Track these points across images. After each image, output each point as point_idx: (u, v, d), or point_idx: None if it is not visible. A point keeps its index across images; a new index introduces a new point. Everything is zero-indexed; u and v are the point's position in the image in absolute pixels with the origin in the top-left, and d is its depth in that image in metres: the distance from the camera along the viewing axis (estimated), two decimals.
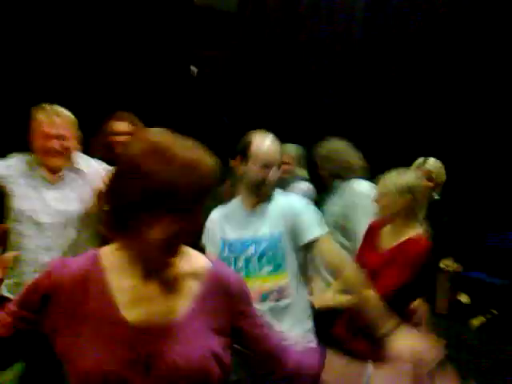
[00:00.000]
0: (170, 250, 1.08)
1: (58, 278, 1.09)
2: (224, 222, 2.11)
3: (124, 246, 1.11)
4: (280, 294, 1.98)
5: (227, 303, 1.17)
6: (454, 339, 4.82)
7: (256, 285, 1.96)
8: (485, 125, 4.83)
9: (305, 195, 3.33)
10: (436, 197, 2.86)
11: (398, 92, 5.13)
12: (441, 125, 4.97)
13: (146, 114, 4.81)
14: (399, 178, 2.27)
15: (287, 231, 2.02)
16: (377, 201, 2.32)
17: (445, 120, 4.99)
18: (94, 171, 2.39)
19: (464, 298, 4.99)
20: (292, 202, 2.12)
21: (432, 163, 2.93)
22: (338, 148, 3.03)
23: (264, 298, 1.97)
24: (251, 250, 2.00)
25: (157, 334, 1.07)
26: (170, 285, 1.13)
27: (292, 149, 3.71)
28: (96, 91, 4.32)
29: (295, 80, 5.50)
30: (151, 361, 1.05)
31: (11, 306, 1.12)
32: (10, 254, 1.82)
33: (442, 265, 4.99)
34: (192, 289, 1.14)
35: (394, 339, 1.66)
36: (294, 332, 1.97)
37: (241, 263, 2.01)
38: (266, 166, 1.98)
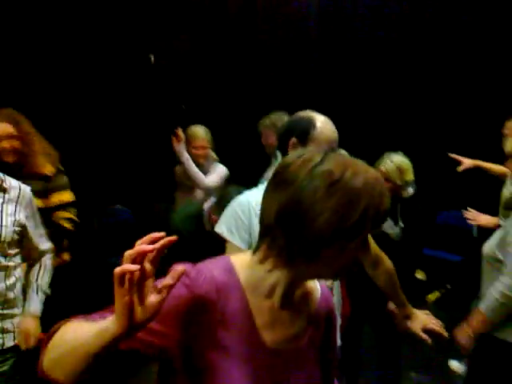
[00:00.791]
0: (338, 275, 1.04)
1: (198, 291, 0.95)
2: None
3: (263, 262, 0.99)
4: None
5: (327, 327, 1.14)
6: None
7: None
8: (433, 108, 5.08)
9: (225, 177, 3.53)
10: (410, 191, 2.93)
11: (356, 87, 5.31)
12: (395, 112, 5.20)
13: (106, 102, 4.81)
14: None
15: None
16: None
17: (398, 107, 5.21)
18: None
19: (420, 275, 5.27)
20: None
21: (387, 163, 2.84)
22: (282, 118, 3.11)
23: None
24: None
25: (289, 359, 1.03)
26: (298, 308, 1.06)
27: (204, 131, 3.60)
28: (49, 83, 4.26)
29: (251, 70, 5.59)
30: None
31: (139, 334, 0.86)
32: None
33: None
34: (309, 313, 1.09)
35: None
36: None
37: None
38: (332, 148, 1.73)
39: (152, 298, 0.79)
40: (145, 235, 0.79)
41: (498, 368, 2.07)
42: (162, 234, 0.78)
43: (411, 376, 3.53)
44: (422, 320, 1.97)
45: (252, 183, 1.97)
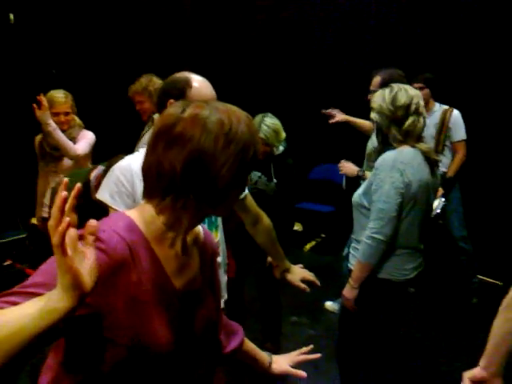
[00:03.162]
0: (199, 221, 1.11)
1: (115, 255, 0.94)
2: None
3: (164, 215, 1.03)
4: None
5: (212, 264, 1.24)
6: (292, 261, 5.43)
7: None
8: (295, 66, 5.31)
9: (93, 144, 3.30)
10: (281, 148, 3.06)
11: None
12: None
13: None
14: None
15: None
16: None
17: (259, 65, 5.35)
18: None
19: (297, 227, 5.61)
20: None
21: (265, 129, 2.92)
22: (154, 81, 3.11)
23: None
24: None
25: (193, 300, 1.11)
26: (192, 251, 1.14)
27: (64, 95, 3.27)
28: None
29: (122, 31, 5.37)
30: (194, 327, 1.11)
31: None
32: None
33: None
34: (197, 253, 1.16)
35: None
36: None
37: None
38: None
39: (87, 263, 0.78)
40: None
41: (374, 303, 2.30)
42: (66, 180, 0.80)
43: (292, 320, 3.81)
44: (299, 272, 2.12)
45: (128, 150, 1.95)
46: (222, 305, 2.01)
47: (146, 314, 1.00)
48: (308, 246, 5.48)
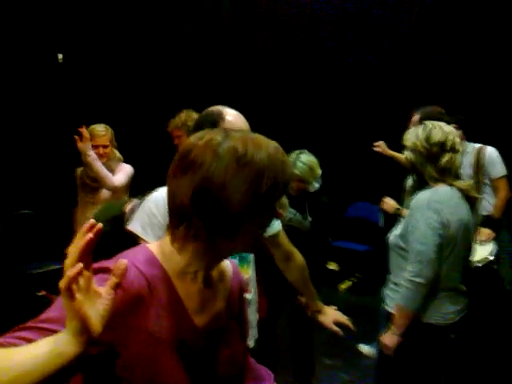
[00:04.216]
0: (254, 247, 1.06)
1: (132, 289, 0.91)
2: None
3: (178, 246, 0.99)
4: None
5: (241, 302, 1.19)
6: (326, 301, 5.29)
7: None
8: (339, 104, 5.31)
9: (131, 176, 3.42)
10: (316, 185, 3.02)
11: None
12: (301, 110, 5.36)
13: (16, 105, 4.56)
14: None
15: None
16: None
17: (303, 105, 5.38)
18: None
19: (333, 266, 5.49)
20: None
21: (300, 166, 2.90)
22: (192, 116, 3.11)
23: None
24: None
25: (216, 338, 1.05)
26: (217, 287, 1.08)
27: (104, 128, 3.42)
28: None
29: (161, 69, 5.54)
30: (217, 368, 1.05)
31: None
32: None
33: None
34: (225, 290, 1.11)
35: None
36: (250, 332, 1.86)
37: None
38: None
39: (101, 304, 0.76)
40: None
41: (415, 349, 2.20)
42: (92, 221, 0.75)
43: (326, 362, 3.68)
44: (332, 314, 2.05)
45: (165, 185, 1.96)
46: (253, 344, 1.95)
47: (163, 352, 0.95)
48: (343, 286, 5.35)
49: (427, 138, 2.13)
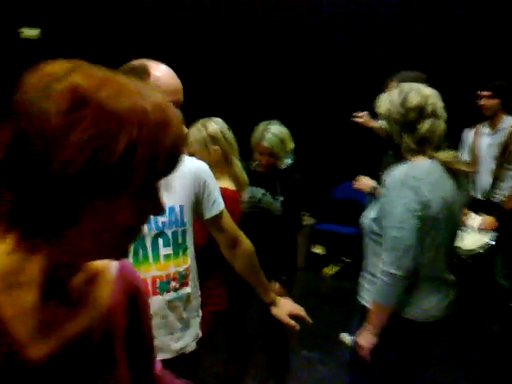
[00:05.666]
0: (119, 248, 0.72)
1: None
2: None
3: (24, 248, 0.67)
4: (180, 281, 1.58)
5: (136, 310, 0.88)
6: (311, 287, 5.11)
7: (152, 271, 1.52)
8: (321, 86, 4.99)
9: None
10: (288, 161, 2.72)
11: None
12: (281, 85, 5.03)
13: None
14: (203, 128, 2.16)
15: (191, 202, 1.59)
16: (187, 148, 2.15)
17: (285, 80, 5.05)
18: None
19: (318, 250, 5.23)
20: (198, 164, 1.64)
21: (269, 137, 2.55)
22: None
23: (161, 287, 1.54)
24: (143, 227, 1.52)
25: (74, 369, 0.75)
26: (81, 298, 0.77)
27: None
28: None
29: None
30: None
31: None
32: None
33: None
34: (98, 300, 0.80)
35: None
36: (187, 333, 1.65)
37: (134, 244, 1.42)
38: (176, 102, 1.35)
39: None
40: None
41: (393, 348, 1.92)
42: None
43: (302, 354, 3.42)
44: (286, 306, 1.79)
45: None
46: (194, 346, 1.68)
47: None
48: (329, 271, 5.08)
49: (403, 103, 1.81)
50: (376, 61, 4.53)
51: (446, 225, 1.82)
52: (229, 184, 2.15)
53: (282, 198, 2.63)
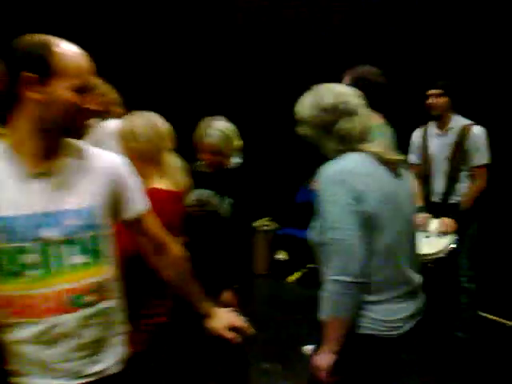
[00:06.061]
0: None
1: None
2: None
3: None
4: (97, 294, 1.36)
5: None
6: (272, 297, 4.91)
7: (60, 283, 1.29)
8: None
9: None
10: (236, 160, 2.52)
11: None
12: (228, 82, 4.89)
13: None
14: (130, 121, 1.93)
15: (107, 202, 1.37)
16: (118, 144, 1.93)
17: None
18: None
19: (282, 255, 5.05)
20: (113, 159, 1.43)
21: (213, 135, 2.36)
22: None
23: (75, 302, 1.31)
24: (48, 232, 1.27)
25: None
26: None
27: None
28: None
29: None
30: None
31: None
32: None
33: (258, 225, 4.99)
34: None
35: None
36: (108, 354, 1.42)
37: (33, 256, 1.25)
38: (82, 87, 1.23)
39: None
40: None
41: (351, 368, 1.72)
42: None
43: (264, 367, 3.21)
44: (224, 317, 1.61)
45: None
46: (118, 368, 1.44)
47: None
48: (292, 278, 4.90)
49: (317, 105, 1.70)
50: (333, 57, 4.41)
51: (393, 223, 1.64)
52: (161, 184, 1.92)
53: (230, 200, 2.43)
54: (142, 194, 1.46)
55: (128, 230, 1.48)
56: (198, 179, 2.38)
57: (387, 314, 1.66)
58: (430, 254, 3.32)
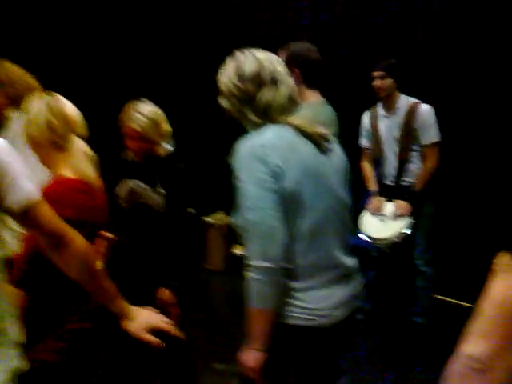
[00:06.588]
0: None
1: None
2: None
3: None
4: None
5: None
6: (228, 293, 4.73)
7: None
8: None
9: None
10: (168, 147, 2.33)
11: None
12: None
13: None
14: (28, 107, 1.73)
15: None
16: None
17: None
18: None
19: (239, 250, 4.88)
20: None
21: (138, 118, 2.18)
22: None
23: None
24: None
25: None
26: None
27: None
28: None
29: None
30: None
31: None
32: None
33: (212, 220, 4.81)
34: None
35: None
36: None
37: None
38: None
39: None
40: None
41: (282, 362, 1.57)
42: None
43: (215, 368, 3.05)
44: (144, 319, 1.43)
45: None
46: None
47: None
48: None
49: (238, 73, 1.55)
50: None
51: (319, 201, 1.50)
52: (68, 171, 1.72)
53: (164, 192, 2.25)
54: (31, 181, 1.27)
55: (20, 223, 1.30)
56: (126, 169, 2.20)
57: (317, 302, 1.51)
58: (385, 239, 3.23)
